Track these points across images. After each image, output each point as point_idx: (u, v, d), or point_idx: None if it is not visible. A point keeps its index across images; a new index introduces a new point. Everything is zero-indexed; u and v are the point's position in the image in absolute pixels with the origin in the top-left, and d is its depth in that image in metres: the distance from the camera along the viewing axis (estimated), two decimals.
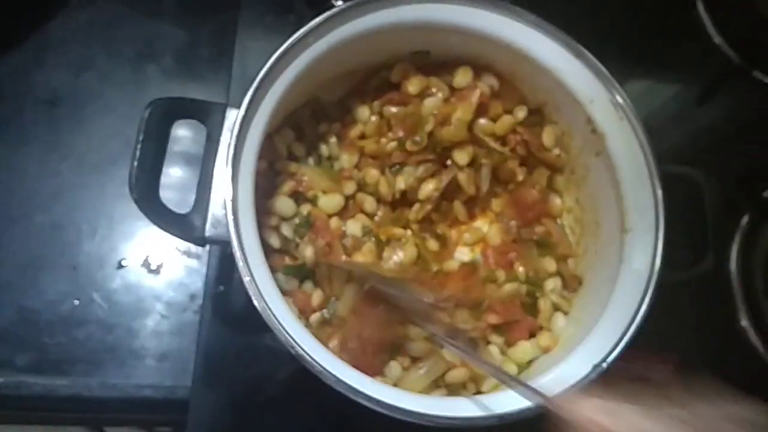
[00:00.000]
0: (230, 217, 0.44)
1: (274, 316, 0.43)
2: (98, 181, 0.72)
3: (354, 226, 0.57)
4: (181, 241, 0.69)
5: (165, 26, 0.79)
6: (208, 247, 0.68)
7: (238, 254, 0.43)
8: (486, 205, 0.63)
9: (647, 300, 0.48)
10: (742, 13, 0.83)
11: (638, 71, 0.84)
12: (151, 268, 0.70)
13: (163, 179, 0.49)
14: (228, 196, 0.44)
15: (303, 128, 0.59)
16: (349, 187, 0.59)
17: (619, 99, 0.53)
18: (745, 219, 0.75)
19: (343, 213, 0.59)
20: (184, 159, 0.67)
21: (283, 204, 0.55)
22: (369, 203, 0.59)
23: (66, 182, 0.72)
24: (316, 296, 0.54)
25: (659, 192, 0.51)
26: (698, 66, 0.85)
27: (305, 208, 0.57)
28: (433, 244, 0.60)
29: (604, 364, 0.47)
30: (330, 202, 0.57)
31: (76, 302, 0.68)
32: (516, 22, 0.55)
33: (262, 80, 0.47)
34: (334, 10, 0.50)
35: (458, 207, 0.62)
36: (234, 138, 0.45)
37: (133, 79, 0.76)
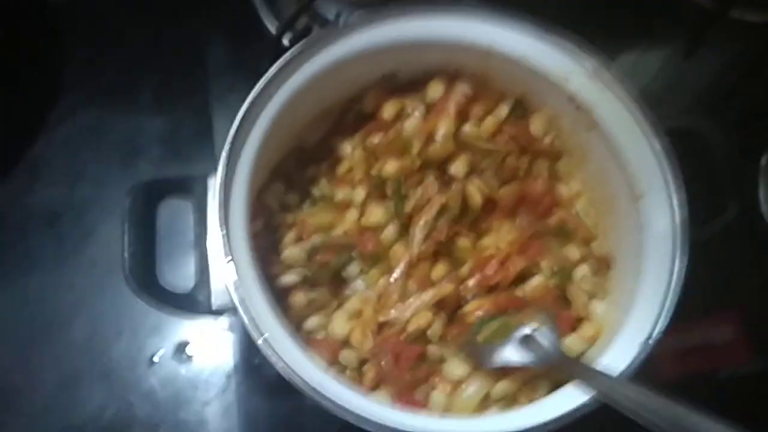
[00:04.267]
0: (231, 282, 0.43)
1: (295, 372, 0.41)
2: (112, 284, 0.71)
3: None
4: (208, 321, 0.70)
5: (145, 119, 0.80)
6: (228, 321, 0.67)
7: (245, 318, 0.42)
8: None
9: (677, 262, 0.46)
10: None
11: (623, 45, 0.82)
12: (182, 357, 0.70)
13: (163, 261, 0.49)
14: (225, 260, 0.43)
15: (291, 177, 0.58)
16: (353, 214, 0.57)
17: (594, 68, 0.51)
18: (764, 159, 0.72)
19: None
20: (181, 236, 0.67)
21: (292, 254, 0.54)
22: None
23: (81, 293, 0.72)
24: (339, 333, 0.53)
25: (660, 149, 0.49)
26: (678, 22, 0.83)
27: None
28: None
29: (651, 341, 0.44)
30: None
31: (117, 409, 0.67)
32: (472, 21, 0.54)
33: (233, 140, 0.47)
34: (285, 57, 0.49)
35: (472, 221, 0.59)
36: (219, 202, 0.44)
37: (125, 177, 0.77)
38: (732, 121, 0.75)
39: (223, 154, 0.46)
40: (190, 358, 0.69)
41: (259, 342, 0.42)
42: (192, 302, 0.47)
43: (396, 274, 0.55)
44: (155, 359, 0.69)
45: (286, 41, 0.73)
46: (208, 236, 0.47)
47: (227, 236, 0.44)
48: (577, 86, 0.52)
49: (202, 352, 0.69)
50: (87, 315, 0.71)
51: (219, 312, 0.47)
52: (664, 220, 0.47)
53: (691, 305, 0.64)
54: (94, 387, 0.68)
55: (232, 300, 0.44)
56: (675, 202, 0.47)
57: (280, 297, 0.53)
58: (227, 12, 0.78)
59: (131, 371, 0.69)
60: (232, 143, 0.47)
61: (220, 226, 0.44)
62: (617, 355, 0.45)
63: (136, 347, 0.70)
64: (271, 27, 0.75)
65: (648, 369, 0.67)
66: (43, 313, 0.71)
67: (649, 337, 0.44)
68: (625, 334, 0.46)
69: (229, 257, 0.43)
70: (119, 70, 0.81)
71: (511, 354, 0.48)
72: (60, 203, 0.76)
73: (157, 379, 0.69)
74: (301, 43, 0.52)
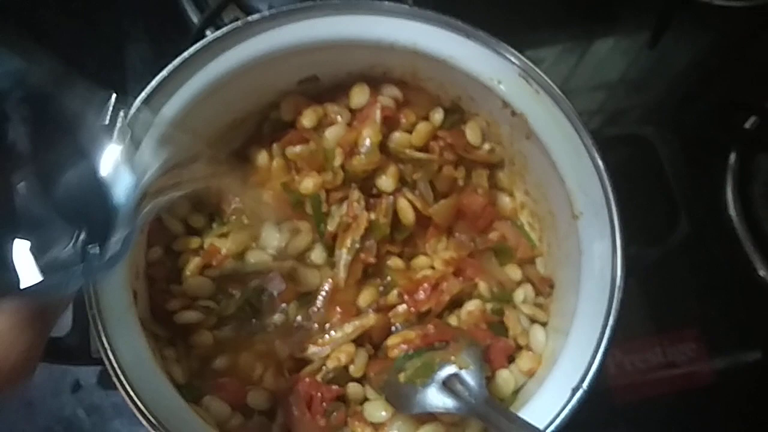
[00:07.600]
0: (99, 334, 0.37)
1: None
2: None
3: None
4: None
5: None
6: None
7: (115, 382, 0.37)
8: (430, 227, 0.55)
9: (616, 297, 0.40)
10: None
11: (592, 37, 0.77)
12: (108, 383, 0.64)
13: None
14: (90, 306, 0.37)
15: (200, 194, 0.52)
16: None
17: (528, 70, 0.45)
18: (732, 156, 0.66)
19: None
20: None
21: (196, 284, 0.49)
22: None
23: None
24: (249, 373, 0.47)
25: (600, 164, 0.43)
26: (648, 12, 0.77)
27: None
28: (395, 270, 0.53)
29: (584, 385, 0.39)
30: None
31: None
32: (393, 19, 0.48)
33: None
34: (183, 56, 0.44)
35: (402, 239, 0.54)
36: None
37: None
38: (693, 122, 0.69)
39: None
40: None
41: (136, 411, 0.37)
42: (68, 349, 0.41)
43: (318, 303, 0.50)
44: (81, 383, 0.64)
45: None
46: None
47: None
48: (511, 89, 0.46)
49: None
50: None
51: (100, 360, 0.41)
52: (603, 245, 0.42)
53: (649, 324, 0.60)
54: (15, 417, 0.64)
55: None
56: (616, 224, 0.42)
57: (183, 334, 0.48)
58: (149, 5, 0.72)
59: (54, 398, 0.65)
60: None
61: None
62: (547, 400, 0.40)
63: (59, 373, 0.65)
64: (196, 20, 0.68)
65: (612, 391, 0.63)
66: None
67: (581, 381, 0.39)
68: (556, 373, 0.41)
69: (93, 307, 0.37)
70: None
71: (433, 398, 0.43)
72: None
73: (83, 407, 0.65)
74: (200, 42, 0.46)
